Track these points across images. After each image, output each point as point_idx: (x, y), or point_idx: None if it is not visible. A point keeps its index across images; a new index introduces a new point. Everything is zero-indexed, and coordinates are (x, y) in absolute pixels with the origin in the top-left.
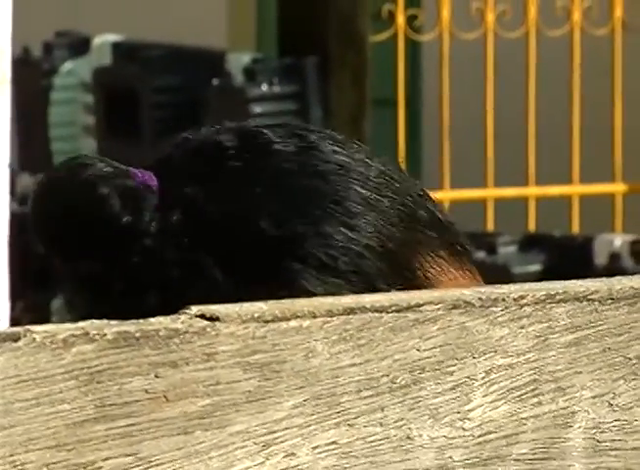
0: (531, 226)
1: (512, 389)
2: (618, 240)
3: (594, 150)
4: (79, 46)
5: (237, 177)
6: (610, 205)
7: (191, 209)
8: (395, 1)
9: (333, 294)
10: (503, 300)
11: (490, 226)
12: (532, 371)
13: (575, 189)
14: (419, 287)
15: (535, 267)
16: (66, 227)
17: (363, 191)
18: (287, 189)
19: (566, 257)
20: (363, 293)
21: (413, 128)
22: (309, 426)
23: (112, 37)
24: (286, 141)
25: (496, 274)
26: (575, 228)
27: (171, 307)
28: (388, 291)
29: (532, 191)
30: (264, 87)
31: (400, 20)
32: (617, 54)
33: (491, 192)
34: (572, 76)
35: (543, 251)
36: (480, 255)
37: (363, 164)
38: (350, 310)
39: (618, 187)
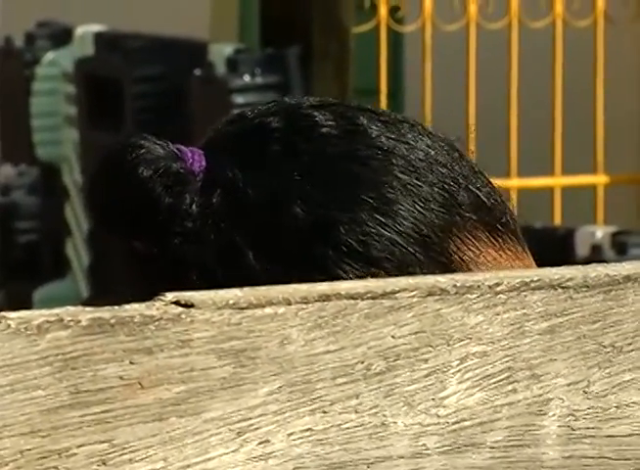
0: None
1: (486, 376)
2: (600, 232)
3: (576, 141)
4: (61, 36)
5: (278, 161)
6: (591, 196)
7: (231, 192)
8: None
9: None
10: (478, 287)
11: None
12: (507, 359)
13: (557, 181)
14: (456, 271)
15: None
16: (113, 208)
17: (403, 176)
18: (325, 174)
19: (547, 248)
20: None
21: None
22: (284, 413)
23: (94, 27)
24: (332, 124)
25: None
26: (557, 220)
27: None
28: None
29: (514, 182)
30: (246, 78)
31: (383, 11)
32: (599, 46)
33: None
34: (555, 68)
35: (525, 242)
36: None
37: (409, 146)
38: (325, 297)
39: (600, 179)
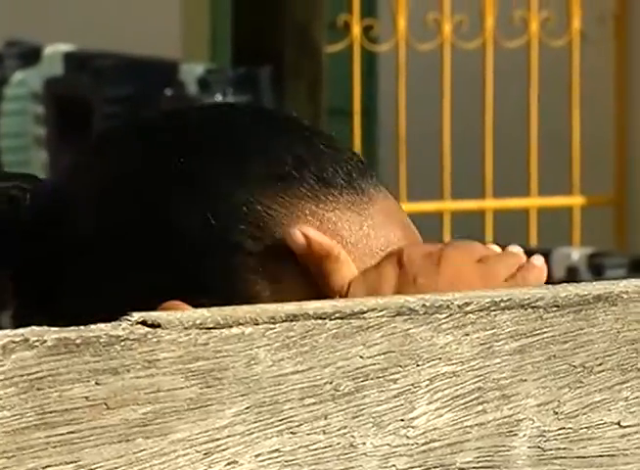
0: (489, 239)
1: (456, 397)
2: (576, 253)
3: (552, 162)
4: (30, 56)
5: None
6: (567, 218)
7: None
8: (351, 11)
9: None
10: (447, 306)
11: (448, 239)
12: (477, 379)
13: (533, 202)
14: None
15: None
16: None
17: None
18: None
19: None
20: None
21: (369, 139)
22: (252, 434)
23: (63, 47)
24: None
25: None
26: (533, 241)
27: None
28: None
29: (490, 203)
30: (218, 97)
31: (356, 30)
32: (574, 65)
33: (448, 205)
34: (530, 88)
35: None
36: None
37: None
38: (293, 317)
39: (576, 200)
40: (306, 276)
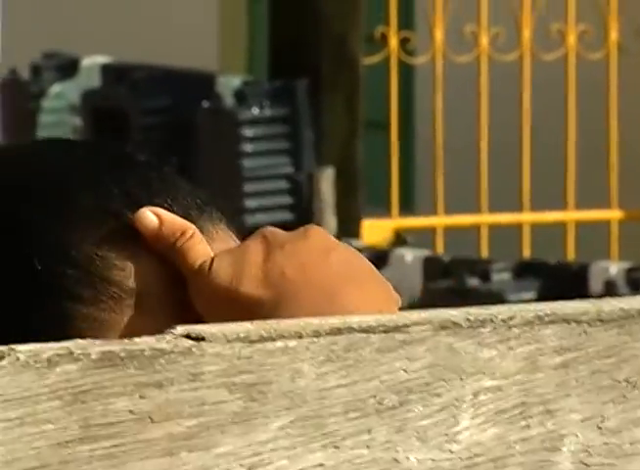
0: (526, 253)
1: (500, 411)
2: (614, 268)
3: (590, 175)
4: (68, 68)
5: None
6: (606, 231)
7: None
8: (388, 23)
9: None
10: (491, 320)
11: (484, 253)
12: (521, 393)
13: (571, 215)
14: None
15: (530, 295)
16: None
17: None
18: None
19: (561, 284)
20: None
21: (406, 151)
22: (295, 448)
23: (100, 59)
24: None
25: (490, 302)
26: (571, 255)
27: None
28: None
29: (527, 217)
30: (255, 110)
31: (393, 42)
32: (612, 78)
33: (485, 218)
34: (567, 100)
35: (538, 278)
36: (474, 282)
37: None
38: (337, 331)
39: (614, 214)
40: (141, 315)
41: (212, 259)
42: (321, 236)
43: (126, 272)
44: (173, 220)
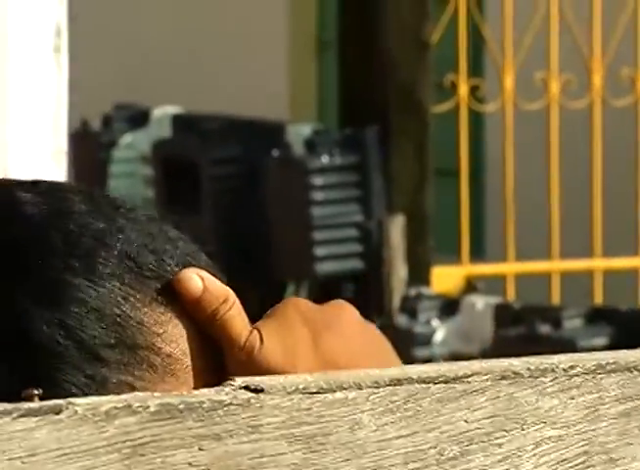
0: (597, 299)
1: (562, 461)
2: None
3: None
4: (138, 118)
5: None
6: None
7: None
8: (458, 71)
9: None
10: (552, 370)
11: (556, 299)
12: (583, 443)
13: None
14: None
15: (601, 341)
16: None
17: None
18: None
19: (632, 330)
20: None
21: (476, 200)
22: None
23: (171, 109)
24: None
25: (562, 348)
26: None
27: None
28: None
29: (598, 263)
30: (325, 159)
31: (463, 90)
32: None
33: (556, 264)
34: (639, 147)
35: (609, 324)
36: (546, 328)
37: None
38: (397, 382)
39: None
40: (172, 381)
41: (258, 336)
42: (354, 314)
43: (163, 337)
44: (215, 285)
